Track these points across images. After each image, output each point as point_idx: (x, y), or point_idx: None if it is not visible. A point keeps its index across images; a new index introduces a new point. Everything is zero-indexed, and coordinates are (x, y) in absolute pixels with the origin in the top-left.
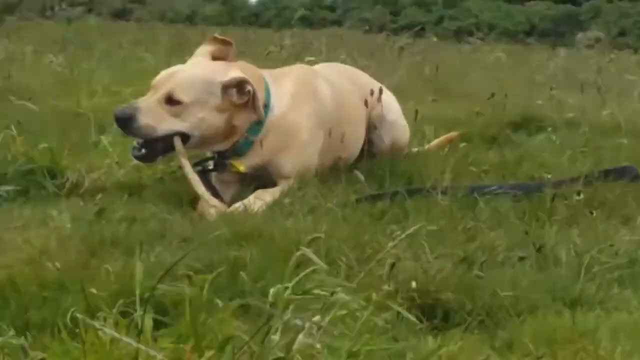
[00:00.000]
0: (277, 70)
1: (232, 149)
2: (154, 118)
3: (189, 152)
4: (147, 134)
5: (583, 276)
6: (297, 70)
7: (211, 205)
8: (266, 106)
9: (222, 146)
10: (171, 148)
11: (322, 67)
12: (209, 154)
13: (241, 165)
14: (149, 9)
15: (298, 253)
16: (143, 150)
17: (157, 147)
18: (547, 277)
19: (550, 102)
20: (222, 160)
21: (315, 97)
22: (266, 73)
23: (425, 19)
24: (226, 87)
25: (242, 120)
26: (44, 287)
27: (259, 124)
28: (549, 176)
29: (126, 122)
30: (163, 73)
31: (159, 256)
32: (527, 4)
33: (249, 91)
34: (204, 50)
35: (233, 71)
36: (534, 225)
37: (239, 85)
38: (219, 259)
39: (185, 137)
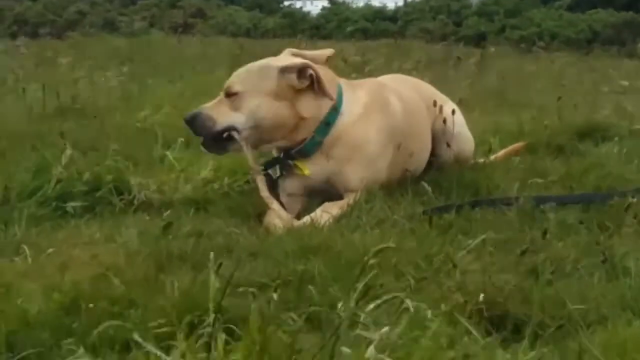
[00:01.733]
0: (353, 81)
1: (298, 148)
2: (217, 113)
3: (256, 154)
4: (207, 128)
5: None
6: (370, 83)
7: (281, 218)
8: (336, 109)
9: (288, 141)
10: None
11: (388, 79)
12: (274, 154)
13: (306, 169)
14: (210, 23)
15: (370, 261)
16: None
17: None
18: (616, 288)
19: (616, 111)
20: (287, 160)
21: (387, 111)
22: (342, 80)
23: (487, 28)
24: (283, 71)
25: (309, 108)
26: (112, 303)
27: (327, 124)
28: (618, 187)
29: (191, 121)
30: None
31: (227, 270)
32: (589, 12)
33: (310, 75)
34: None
35: (296, 59)
36: (602, 236)
37: (300, 70)
38: (286, 272)
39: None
